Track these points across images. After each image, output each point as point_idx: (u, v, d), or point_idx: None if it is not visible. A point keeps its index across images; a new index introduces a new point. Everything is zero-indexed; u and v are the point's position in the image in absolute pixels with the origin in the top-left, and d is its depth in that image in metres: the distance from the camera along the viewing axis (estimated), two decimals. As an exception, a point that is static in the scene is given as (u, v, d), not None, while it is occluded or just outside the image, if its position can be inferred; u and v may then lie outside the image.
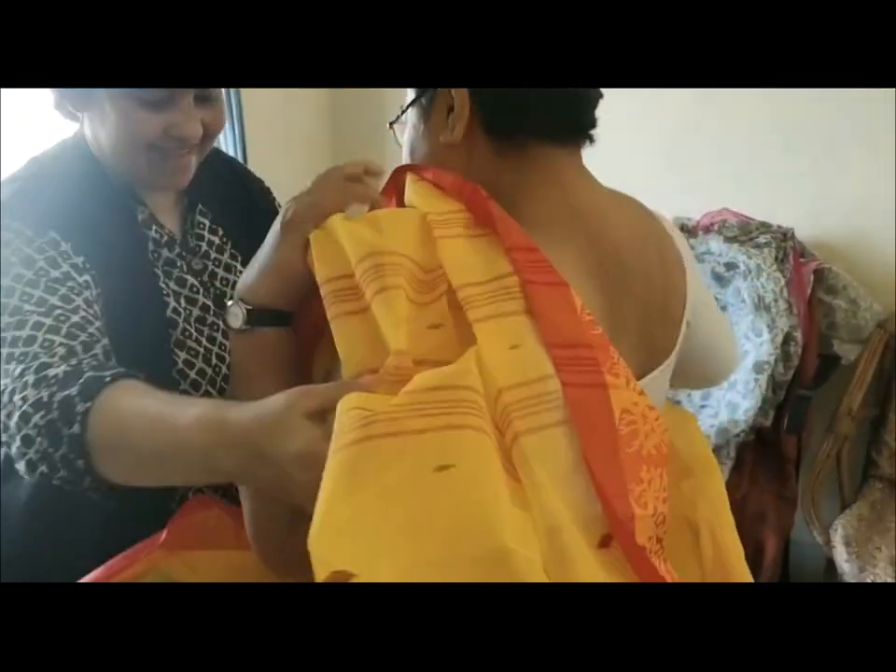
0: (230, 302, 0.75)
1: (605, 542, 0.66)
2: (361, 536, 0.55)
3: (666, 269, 0.86)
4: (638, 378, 0.80)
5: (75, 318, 0.87)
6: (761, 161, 2.38)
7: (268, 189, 1.27)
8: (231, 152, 2.80)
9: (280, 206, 1.23)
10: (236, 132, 2.78)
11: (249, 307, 0.73)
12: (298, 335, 0.77)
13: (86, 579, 0.86)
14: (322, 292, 0.69)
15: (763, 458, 2.21)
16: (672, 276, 0.87)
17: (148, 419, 0.74)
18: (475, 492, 0.57)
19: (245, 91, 2.79)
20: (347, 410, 0.61)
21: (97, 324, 0.89)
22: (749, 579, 0.85)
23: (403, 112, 0.86)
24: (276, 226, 0.75)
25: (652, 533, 0.70)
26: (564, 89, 0.78)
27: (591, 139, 0.83)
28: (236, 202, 1.18)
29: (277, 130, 3.10)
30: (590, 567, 0.63)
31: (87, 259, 0.93)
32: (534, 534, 0.60)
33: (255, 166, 2.96)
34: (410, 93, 0.85)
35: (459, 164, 0.80)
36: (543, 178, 0.79)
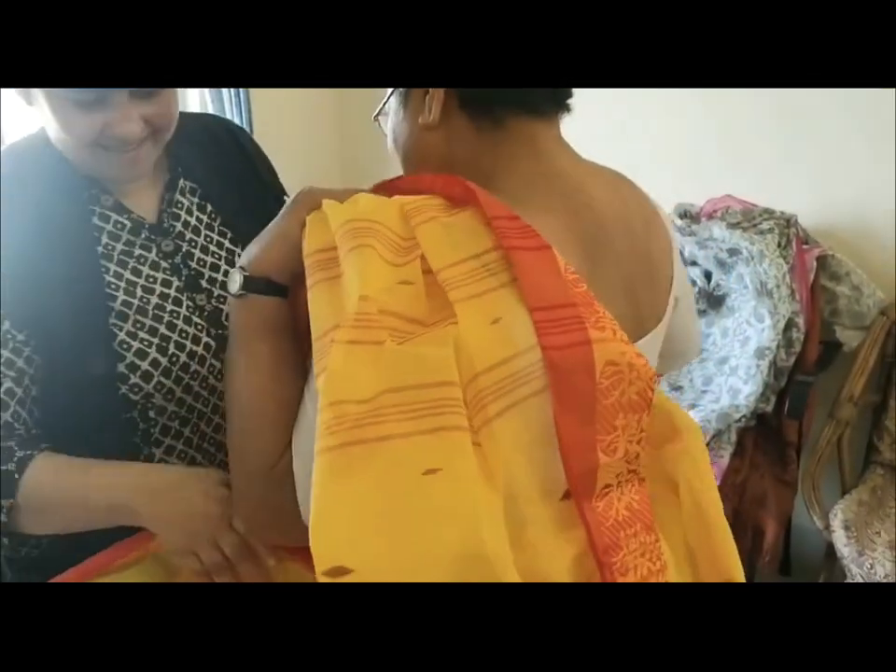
0: (232, 269, 0.78)
1: (566, 496, 0.70)
2: (358, 535, 0.59)
3: (651, 238, 0.87)
4: None
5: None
6: (764, 147, 2.38)
7: (266, 157, 1.23)
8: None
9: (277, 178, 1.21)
10: (243, 116, 2.80)
11: (247, 274, 0.77)
12: (300, 321, 0.78)
13: (89, 562, 0.89)
14: (305, 265, 0.72)
15: (763, 443, 2.22)
16: (658, 246, 0.88)
17: (65, 495, 0.90)
18: (458, 495, 0.61)
19: (253, 90, 2.81)
20: (330, 404, 0.62)
21: (17, 395, 0.93)
22: (728, 534, 0.87)
23: (385, 102, 0.88)
24: (288, 202, 0.79)
25: (622, 469, 0.73)
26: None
27: (567, 109, 0.85)
28: (230, 170, 1.14)
29: (285, 127, 3.13)
30: (544, 529, 0.68)
31: (8, 300, 0.92)
32: (502, 518, 0.64)
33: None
34: None
35: (439, 145, 0.82)
36: (522, 150, 0.81)
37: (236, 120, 2.79)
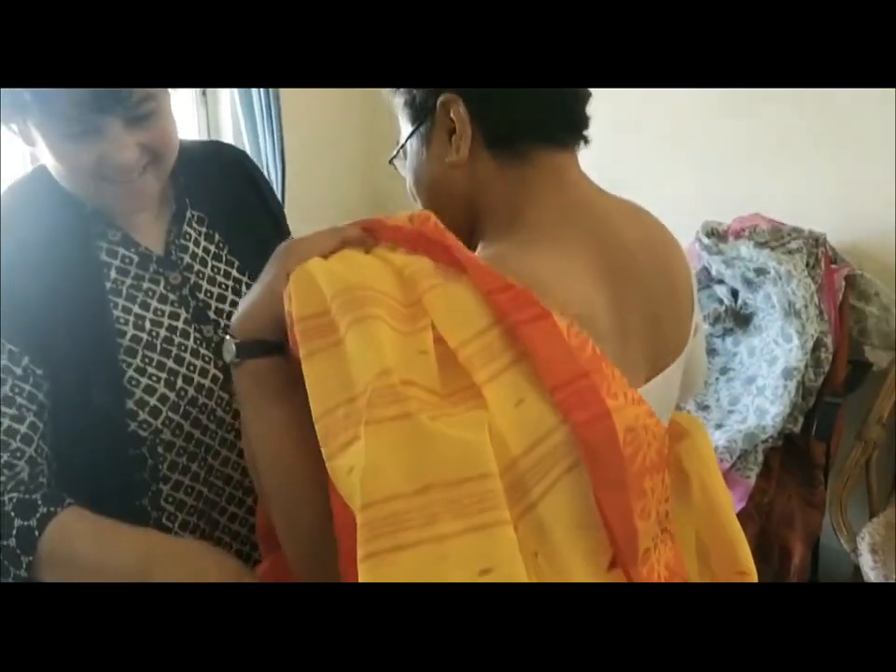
0: (227, 337, 0.77)
1: (612, 565, 0.70)
2: None
3: (673, 266, 0.88)
4: (650, 377, 0.83)
5: (22, 430, 0.92)
6: (792, 165, 2.37)
7: (269, 183, 1.23)
8: (269, 154, 2.84)
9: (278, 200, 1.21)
10: (275, 134, 2.84)
11: (237, 341, 0.75)
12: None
13: None
14: (295, 332, 0.69)
15: (791, 464, 2.20)
16: (679, 274, 0.89)
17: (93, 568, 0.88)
18: None
19: (284, 94, 2.84)
20: (367, 506, 0.60)
21: (40, 430, 0.93)
22: (737, 526, 0.91)
23: (402, 146, 0.89)
24: (270, 260, 0.78)
25: (656, 532, 0.74)
26: (556, 90, 0.81)
27: (585, 140, 0.86)
28: (236, 197, 1.13)
29: (314, 130, 3.17)
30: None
31: (25, 336, 0.92)
32: None
33: (291, 167, 3.05)
34: (406, 126, 0.87)
35: (464, 183, 0.84)
36: (545, 182, 0.82)
37: (265, 121, 2.82)
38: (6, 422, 0.90)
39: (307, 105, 3.07)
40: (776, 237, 2.22)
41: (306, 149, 3.06)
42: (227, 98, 2.95)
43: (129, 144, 0.91)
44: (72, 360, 0.93)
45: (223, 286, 1.08)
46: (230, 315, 1.05)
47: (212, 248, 1.09)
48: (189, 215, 1.08)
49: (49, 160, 0.93)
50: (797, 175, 2.37)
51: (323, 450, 0.64)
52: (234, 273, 1.09)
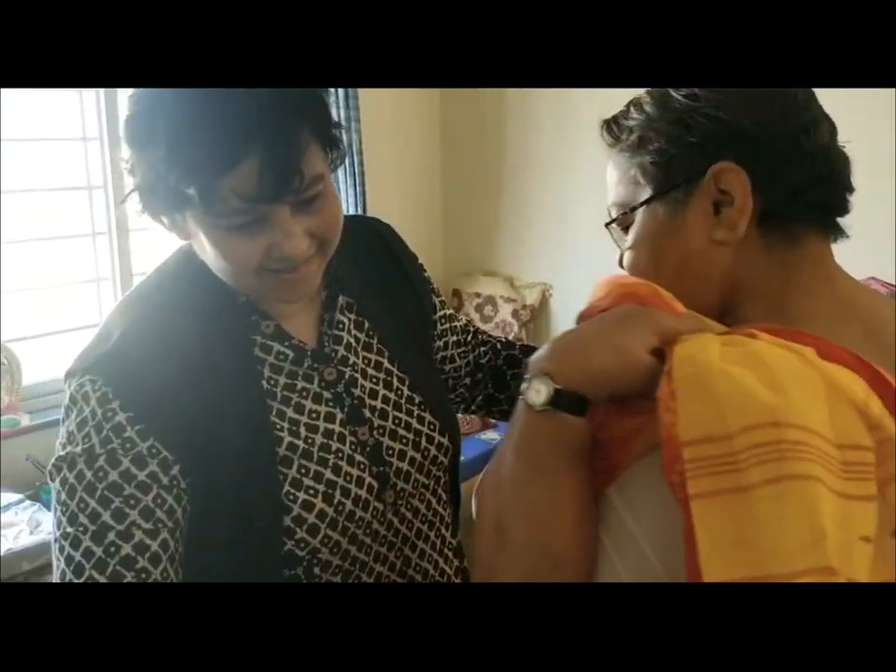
0: (527, 376, 0.65)
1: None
2: None
3: None
4: None
5: (161, 538, 0.81)
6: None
7: (416, 257, 1.12)
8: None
9: (429, 278, 1.12)
10: (353, 134, 2.90)
11: (559, 387, 0.62)
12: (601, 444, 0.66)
13: None
14: (678, 453, 0.56)
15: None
16: None
17: None
18: None
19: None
20: None
21: (170, 550, 0.82)
22: None
23: (634, 209, 0.77)
24: (625, 309, 0.67)
25: None
26: (833, 172, 0.75)
27: (845, 233, 0.77)
28: (383, 280, 1.03)
29: (391, 128, 3.30)
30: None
31: (181, 442, 0.84)
32: None
33: (369, 166, 3.11)
34: (641, 188, 0.77)
35: (725, 263, 0.74)
36: (813, 269, 0.74)
37: (343, 117, 2.85)
38: (138, 535, 0.79)
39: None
40: None
41: (383, 143, 3.15)
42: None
43: (297, 232, 0.83)
44: (228, 474, 0.84)
45: (375, 380, 0.97)
46: (382, 414, 0.96)
47: (362, 337, 0.99)
48: (341, 301, 0.98)
49: (208, 253, 0.85)
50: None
51: None
52: (385, 363, 0.99)
